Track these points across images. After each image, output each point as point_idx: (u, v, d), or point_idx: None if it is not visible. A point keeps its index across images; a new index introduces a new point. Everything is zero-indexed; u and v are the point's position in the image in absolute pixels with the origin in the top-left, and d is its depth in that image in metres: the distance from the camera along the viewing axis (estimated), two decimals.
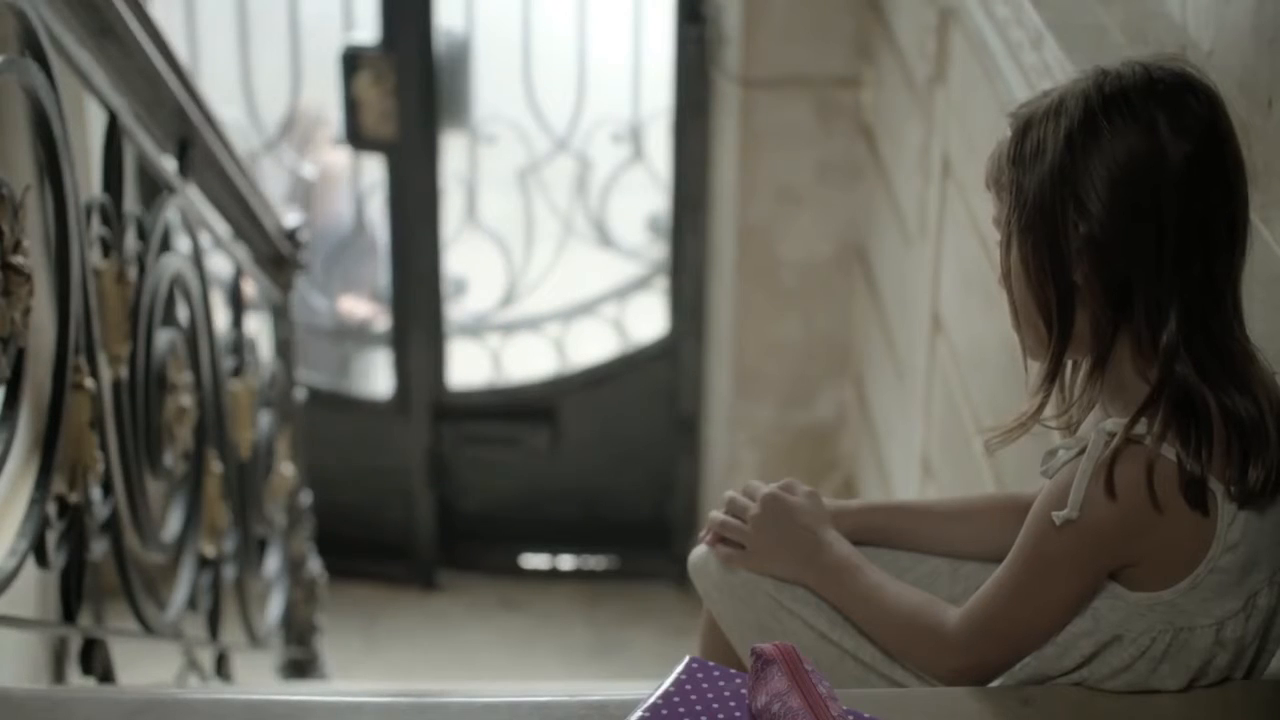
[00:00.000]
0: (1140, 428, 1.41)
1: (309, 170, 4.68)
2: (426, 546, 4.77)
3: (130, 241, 2.15)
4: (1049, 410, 1.52)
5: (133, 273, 2.14)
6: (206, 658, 2.88)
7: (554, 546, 4.83)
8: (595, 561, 4.87)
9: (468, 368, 4.77)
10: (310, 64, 4.54)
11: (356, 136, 4.40)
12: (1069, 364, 1.53)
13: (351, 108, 4.37)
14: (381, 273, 4.74)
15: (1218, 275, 1.43)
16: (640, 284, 4.88)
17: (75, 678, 2.24)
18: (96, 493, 2.00)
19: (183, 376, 2.38)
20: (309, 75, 4.53)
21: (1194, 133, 1.41)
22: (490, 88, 4.87)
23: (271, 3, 4.57)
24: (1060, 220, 1.44)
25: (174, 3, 4.41)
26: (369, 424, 4.70)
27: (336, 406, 4.68)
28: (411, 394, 4.63)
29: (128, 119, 2.15)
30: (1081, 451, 1.43)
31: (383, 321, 4.80)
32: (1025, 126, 1.47)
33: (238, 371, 2.92)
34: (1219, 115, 1.44)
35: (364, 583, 4.66)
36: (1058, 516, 1.42)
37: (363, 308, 4.73)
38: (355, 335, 4.88)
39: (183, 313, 2.54)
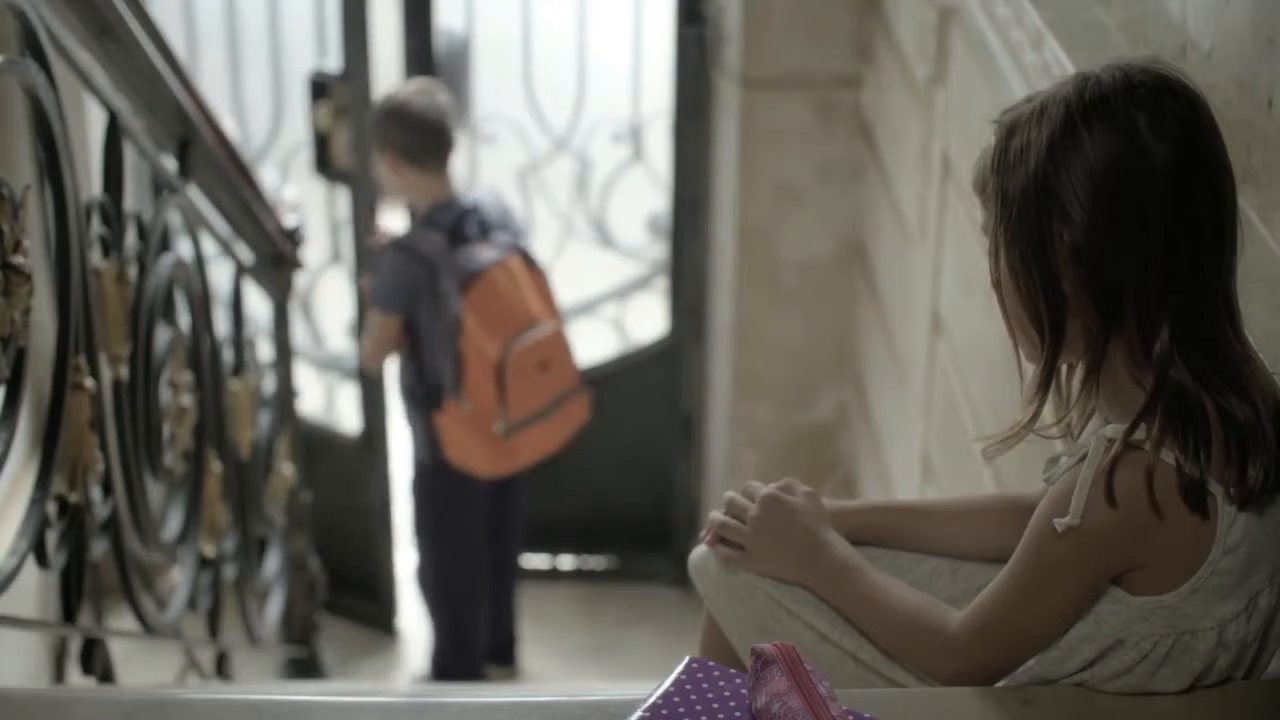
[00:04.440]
0: (1140, 433, 1.41)
1: (290, 193, 4.61)
2: None
3: (130, 241, 2.15)
4: (1048, 416, 1.52)
5: (133, 273, 2.14)
6: (206, 658, 2.89)
7: (554, 546, 4.83)
8: (595, 562, 4.87)
9: None
10: (291, 86, 4.48)
11: (326, 167, 4.27)
12: (1065, 368, 1.53)
13: (319, 137, 4.19)
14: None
15: (1208, 280, 1.43)
16: (640, 284, 4.89)
17: (75, 678, 2.24)
18: (96, 493, 2.00)
19: (183, 376, 2.38)
20: (290, 98, 4.48)
21: (1174, 135, 1.41)
22: (490, 88, 4.88)
23: (256, 24, 4.53)
24: (1046, 229, 1.44)
25: (172, 8, 4.41)
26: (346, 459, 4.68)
27: (318, 440, 4.67)
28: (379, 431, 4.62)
29: (128, 119, 2.15)
30: (1082, 458, 1.44)
31: None
32: (1008, 134, 1.47)
33: (238, 371, 2.92)
34: (1201, 118, 1.43)
35: (344, 619, 4.64)
36: (1059, 523, 1.42)
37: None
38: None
39: (183, 313, 2.55)
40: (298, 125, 4.51)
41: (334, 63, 4.23)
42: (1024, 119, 1.46)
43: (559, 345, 3.92)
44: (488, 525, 4.11)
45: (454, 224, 3.78)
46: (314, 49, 4.36)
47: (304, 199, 4.45)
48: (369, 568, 4.52)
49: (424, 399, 3.87)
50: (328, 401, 4.78)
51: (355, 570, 4.50)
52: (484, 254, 3.78)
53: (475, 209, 3.82)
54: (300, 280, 4.44)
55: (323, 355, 4.84)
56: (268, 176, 4.31)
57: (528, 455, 3.95)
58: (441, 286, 3.74)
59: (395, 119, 3.76)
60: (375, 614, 4.57)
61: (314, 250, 4.54)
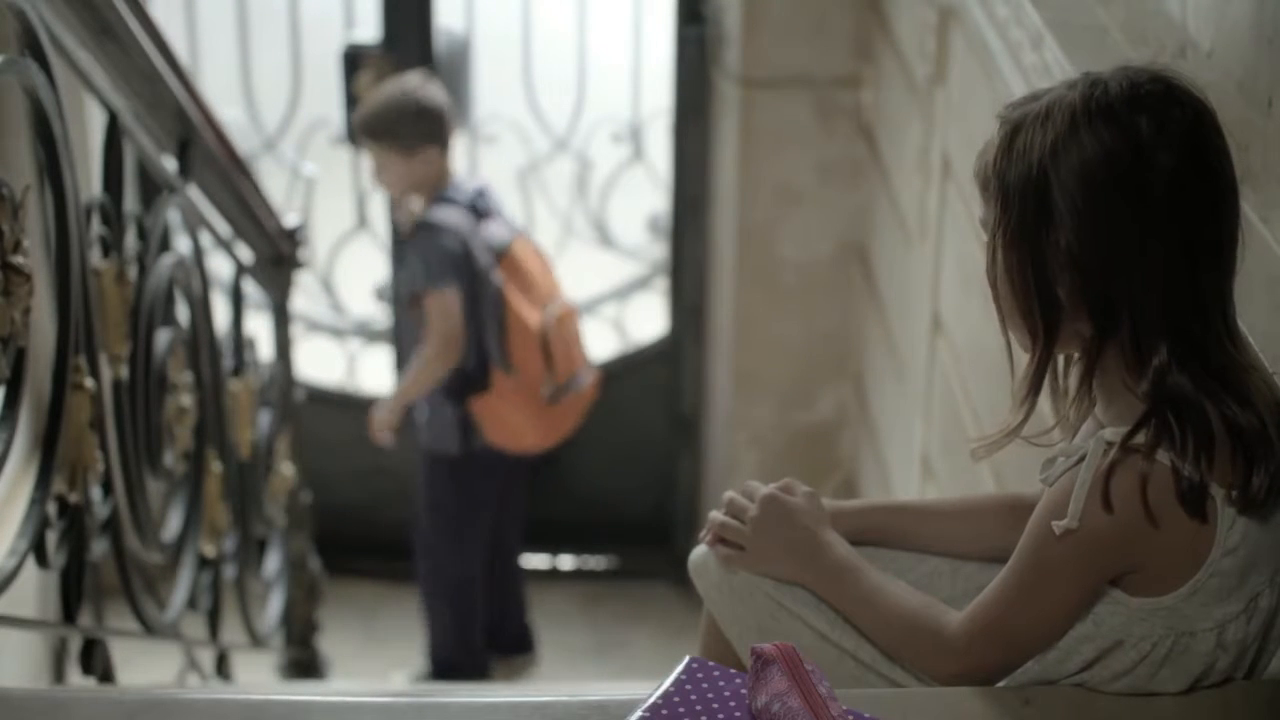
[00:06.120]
0: (1139, 437, 1.41)
1: (309, 168, 4.67)
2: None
3: (130, 241, 2.15)
4: (1048, 417, 1.52)
5: (133, 273, 2.14)
6: (206, 658, 2.89)
7: (554, 546, 4.83)
8: (595, 561, 4.87)
9: None
10: (310, 63, 4.55)
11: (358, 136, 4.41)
12: (1063, 366, 1.53)
13: (352, 107, 4.37)
14: (383, 271, 4.74)
15: (1207, 296, 1.42)
16: (640, 284, 4.89)
17: (75, 678, 2.24)
18: (96, 493, 2.00)
19: (183, 376, 2.38)
20: (309, 75, 4.54)
21: (1176, 145, 1.39)
22: (490, 88, 4.89)
23: (271, 2, 4.58)
24: (1043, 233, 1.43)
25: (174, 3, 4.42)
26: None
27: (338, 405, 4.69)
28: None
29: (128, 119, 2.16)
30: (1080, 459, 1.43)
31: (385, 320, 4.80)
32: (1012, 132, 1.46)
33: (238, 371, 2.92)
34: (1206, 130, 1.42)
35: (365, 580, 4.67)
36: (1057, 526, 1.42)
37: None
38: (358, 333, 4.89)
39: (183, 313, 2.55)
40: (316, 103, 4.59)
41: (362, 35, 4.40)
42: (1029, 119, 1.45)
43: (576, 318, 4.10)
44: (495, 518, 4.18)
45: (472, 199, 3.89)
46: (341, 23, 4.48)
47: (323, 173, 4.63)
48: (398, 525, 4.53)
49: (466, 382, 3.91)
50: (349, 367, 4.82)
51: (380, 530, 4.51)
52: (503, 228, 3.93)
53: (483, 189, 3.96)
54: (321, 250, 4.55)
55: (346, 323, 4.87)
56: (306, 168, 4.57)
57: (569, 423, 4.09)
58: (477, 260, 3.83)
59: (401, 109, 3.83)
60: (401, 570, 4.57)
61: (337, 218, 4.68)
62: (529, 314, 3.89)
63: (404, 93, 3.86)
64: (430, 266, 3.81)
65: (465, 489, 4.06)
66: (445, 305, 3.81)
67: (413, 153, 3.84)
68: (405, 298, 3.98)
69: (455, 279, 3.81)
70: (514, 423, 3.97)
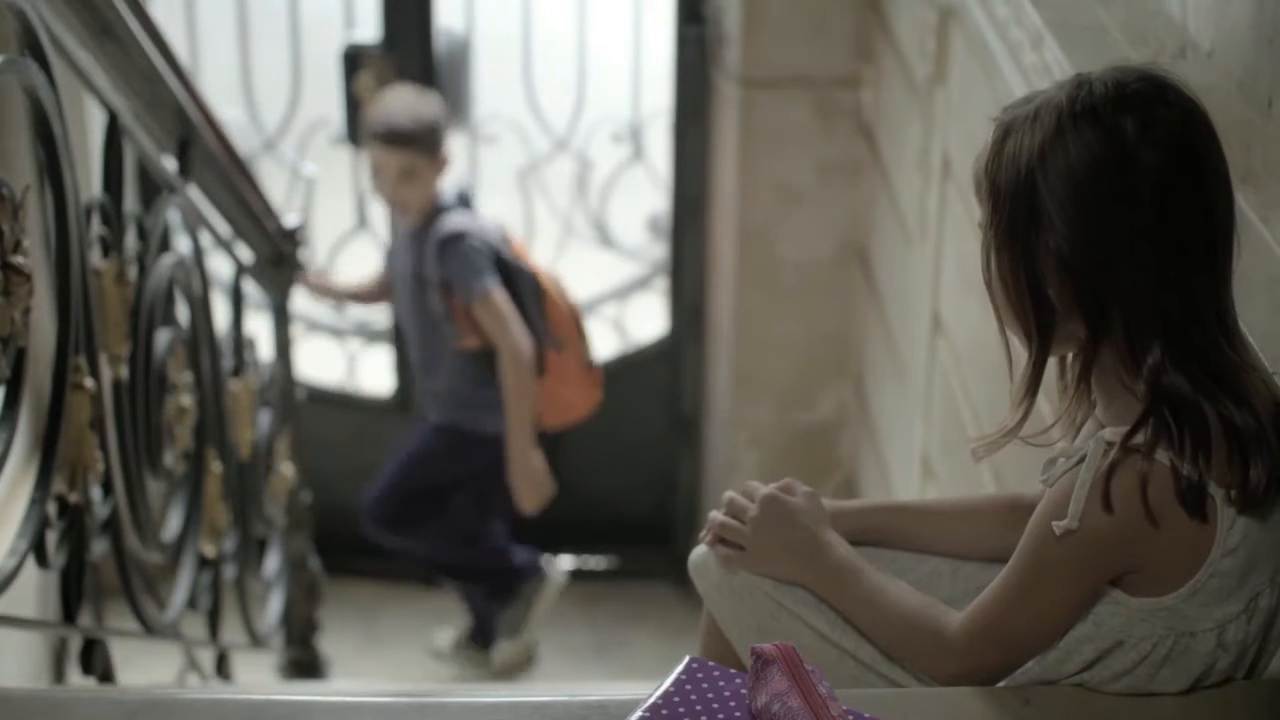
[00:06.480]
0: (1138, 437, 1.41)
1: (309, 168, 4.66)
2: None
3: (130, 241, 2.15)
4: (1047, 417, 1.52)
5: (133, 273, 2.14)
6: (206, 658, 2.89)
7: (554, 546, 4.83)
8: (595, 561, 4.87)
9: None
10: (310, 63, 4.55)
11: (357, 136, 4.40)
12: (1064, 366, 1.53)
13: (352, 107, 4.37)
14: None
15: (1199, 296, 1.42)
16: (640, 284, 4.88)
17: (75, 678, 2.24)
18: (96, 493, 2.00)
19: (183, 376, 2.38)
20: (309, 75, 4.54)
21: (1163, 144, 1.39)
22: (490, 88, 4.88)
23: (271, 2, 4.58)
24: (1033, 236, 1.43)
25: (174, 3, 4.42)
26: (370, 422, 4.70)
27: (338, 405, 4.69)
28: (412, 393, 4.64)
29: (128, 119, 2.15)
30: (1080, 460, 1.43)
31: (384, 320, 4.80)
32: (1004, 135, 1.46)
33: (238, 371, 2.92)
34: (1195, 129, 1.42)
35: (365, 580, 4.67)
36: (1057, 526, 1.42)
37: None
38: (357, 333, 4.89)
39: (183, 313, 2.55)
40: (316, 103, 4.59)
41: (362, 35, 4.41)
42: (1019, 121, 1.45)
43: None
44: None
45: (460, 199, 3.98)
46: (341, 23, 4.49)
47: (323, 173, 4.62)
48: None
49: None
50: (349, 367, 4.82)
51: None
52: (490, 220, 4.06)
53: (463, 187, 4.06)
54: (321, 250, 4.55)
55: (346, 323, 4.88)
56: (306, 168, 4.58)
57: (601, 386, 4.20)
58: (503, 252, 3.91)
59: (427, 114, 3.90)
60: (401, 570, 4.57)
61: (337, 218, 4.67)
62: (553, 288, 4.01)
63: (420, 99, 3.94)
64: (475, 271, 3.84)
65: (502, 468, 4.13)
66: (497, 305, 3.84)
67: (437, 156, 3.90)
68: (444, 311, 3.95)
69: (496, 276, 3.87)
70: (567, 398, 4.10)
